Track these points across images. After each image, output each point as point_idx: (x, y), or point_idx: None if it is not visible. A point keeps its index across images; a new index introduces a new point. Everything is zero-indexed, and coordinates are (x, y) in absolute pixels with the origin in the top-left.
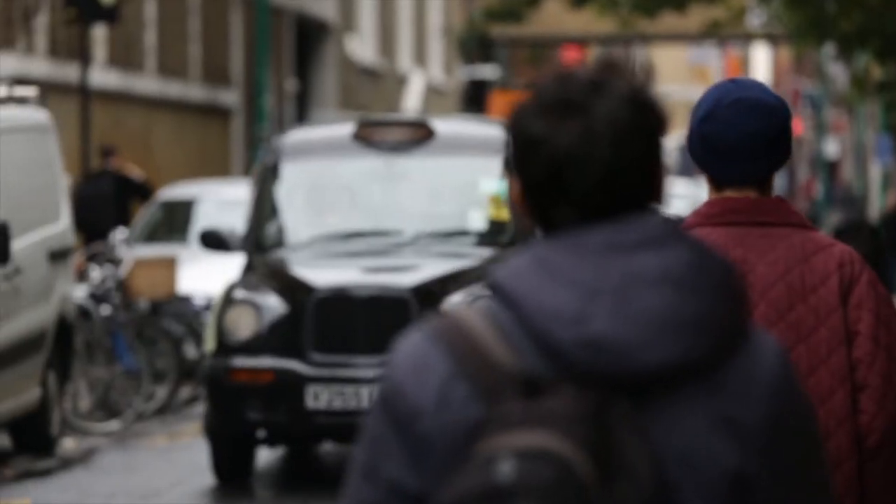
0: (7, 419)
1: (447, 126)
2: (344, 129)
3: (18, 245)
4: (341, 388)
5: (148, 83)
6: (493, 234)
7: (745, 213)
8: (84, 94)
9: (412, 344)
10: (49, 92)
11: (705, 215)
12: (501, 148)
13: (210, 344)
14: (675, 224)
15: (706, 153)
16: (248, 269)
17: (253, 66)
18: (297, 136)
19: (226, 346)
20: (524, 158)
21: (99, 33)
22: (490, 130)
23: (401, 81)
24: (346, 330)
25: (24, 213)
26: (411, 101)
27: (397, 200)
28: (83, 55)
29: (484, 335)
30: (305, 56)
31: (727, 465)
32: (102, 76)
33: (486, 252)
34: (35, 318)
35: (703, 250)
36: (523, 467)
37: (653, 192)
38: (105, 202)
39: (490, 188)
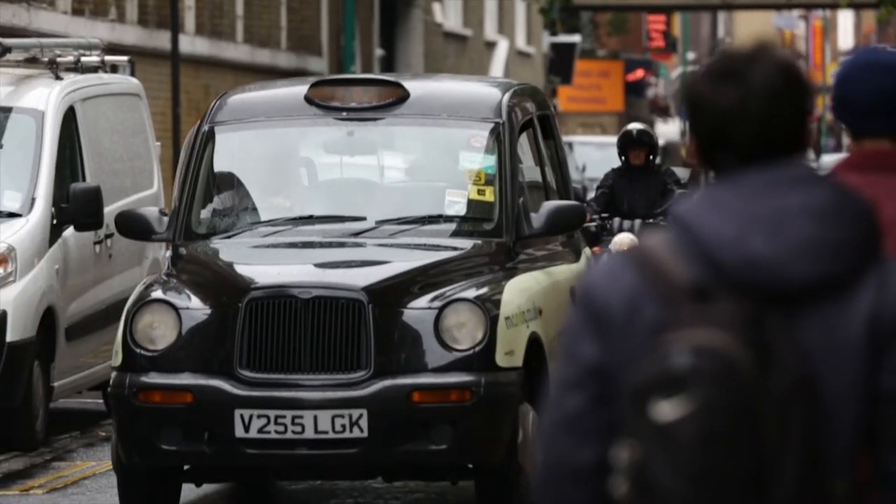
0: (101, 381)
1: (423, 86)
2: (296, 89)
3: (111, 210)
4: (278, 413)
5: (237, 51)
6: (474, 222)
7: (879, 160)
8: (174, 61)
9: (607, 263)
10: (140, 60)
11: (846, 164)
12: (491, 113)
13: (116, 357)
14: (818, 169)
15: (845, 110)
16: (174, 262)
17: (340, 34)
18: (237, 97)
19: (135, 360)
20: (695, 117)
21: (188, 1)
22: (479, 91)
23: (486, 48)
24: (285, 340)
25: (116, 179)
26: (496, 69)
27: (359, 178)
28: (173, 23)
29: (663, 254)
30: (391, 24)
31: (861, 359)
32: (191, 44)
33: (464, 243)
34: (128, 281)
35: (842, 189)
36: (696, 359)
37: (800, 142)
38: None
39: (473, 163)
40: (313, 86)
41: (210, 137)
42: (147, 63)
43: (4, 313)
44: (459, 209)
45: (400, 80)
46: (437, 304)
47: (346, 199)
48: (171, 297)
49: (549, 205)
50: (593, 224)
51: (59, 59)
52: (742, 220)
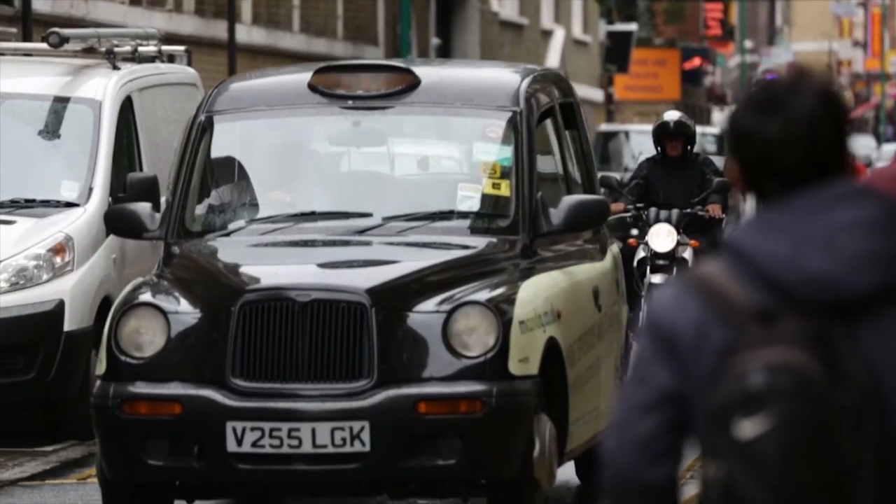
0: None
1: (435, 72)
2: (299, 76)
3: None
4: (273, 425)
5: (293, 40)
6: (489, 218)
7: None
8: (231, 51)
9: (670, 291)
10: (196, 49)
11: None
12: (508, 101)
13: (100, 364)
14: (863, 184)
15: None
16: (166, 261)
17: (396, 23)
18: (236, 85)
19: (120, 368)
20: (740, 146)
21: None
22: (496, 77)
23: (542, 37)
24: (281, 346)
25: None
26: (552, 57)
27: (365, 171)
28: (230, 13)
29: (722, 280)
30: (448, 13)
31: None
32: (248, 33)
33: (478, 241)
34: None
35: (889, 201)
36: (771, 377)
37: (841, 163)
38: None
39: (488, 155)
40: (317, 72)
41: (207, 127)
42: (204, 53)
43: (62, 302)
44: (473, 204)
45: (410, 67)
46: (446, 307)
47: (352, 193)
48: (160, 301)
49: (570, 199)
50: (628, 215)
51: (116, 49)
52: (795, 240)
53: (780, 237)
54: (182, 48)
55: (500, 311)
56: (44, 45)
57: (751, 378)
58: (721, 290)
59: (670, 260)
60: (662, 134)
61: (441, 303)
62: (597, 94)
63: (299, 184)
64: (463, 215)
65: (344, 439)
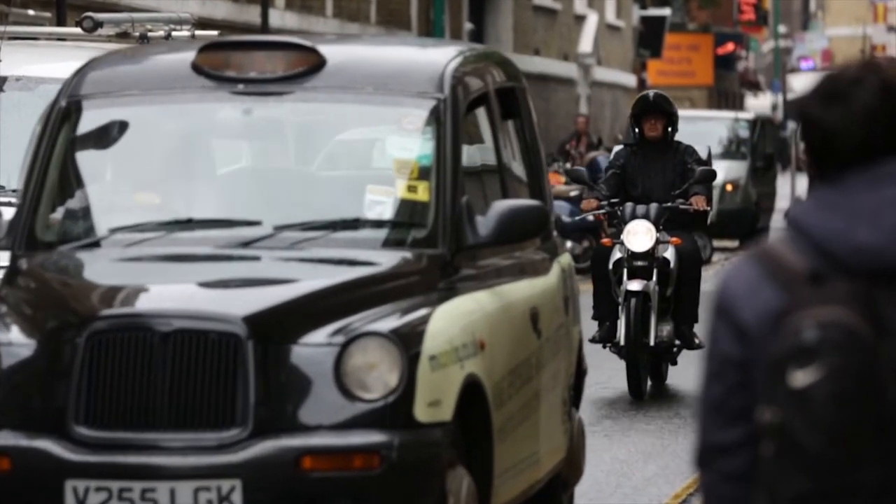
0: None
1: (344, 51)
2: (182, 55)
3: None
4: (123, 485)
5: (326, 25)
6: (402, 228)
7: None
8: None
9: (734, 264)
10: (230, 34)
11: None
12: (430, 86)
13: None
14: None
15: None
16: (9, 279)
17: (429, 7)
18: (105, 65)
19: None
20: (806, 132)
21: None
22: (416, 58)
23: (575, 22)
24: (136, 388)
25: None
26: (585, 42)
27: (255, 170)
28: None
29: (781, 250)
30: None
31: None
32: (281, 18)
33: (388, 256)
34: None
35: None
36: (823, 332)
37: (894, 147)
38: None
39: (404, 151)
40: (202, 50)
41: (67, 116)
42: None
43: None
44: (383, 211)
45: (314, 44)
46: (340, 339)
47: (238, 197)
48: None
49: (501, 206)
50: (602, 211)
51: (149, 34)
52: (847, 215)
53: (835, 213)
54: (215, 33)
55: (406, 343)
56: (77, 30)
57: (804, 333)
58: (779, 258)
59: (650, 261)
60: (641, 109)
61: (335, 334)
62: (630, 80)
63: (175, 185)
64: (371, 224)
65: (211, 501)
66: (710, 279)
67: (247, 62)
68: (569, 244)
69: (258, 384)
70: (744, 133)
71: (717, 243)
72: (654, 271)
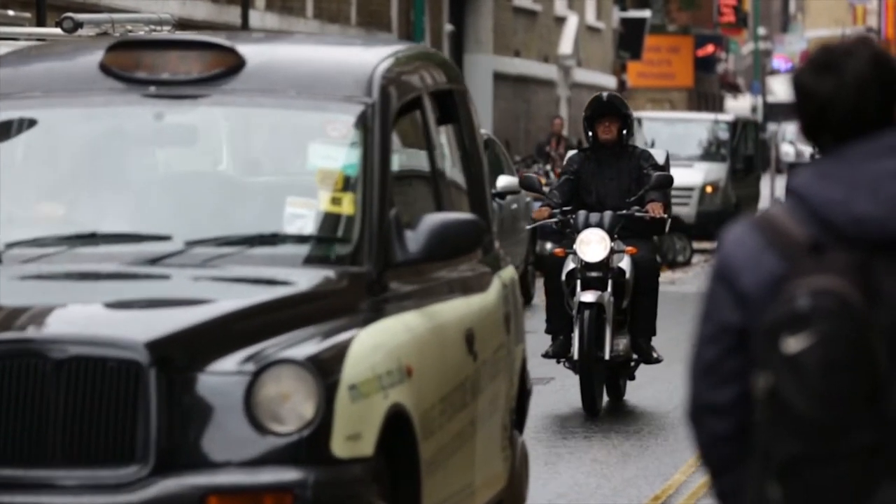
0: None
1: (265, 51)
2: (90, 54)
3: None
4: None
5: (306, 26)
6: (325, 243)
7: None
8: None
9: (735, 229)
10: (210, 35)
11: None
12: (358, 90)
13: None
14: None
15: None
16: None
17: (409, 9)
18: (8, 63)
19: None
20: (800, 103)
21: None
22: (343, 59)
23: (555, 24)
24: (27, 420)
25: None
26: (566, 44)
27: (167, 180)
28: None
29: (782, 218)
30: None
31: None
32: (262, 19)
33: (308, 275)
34: None
35: None
36: (815, 300)
37: (889, 119)
38: None
39: (327, 160)
40: (111, 48)
41: None
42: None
43: None
44: (304, 225)
45: (233, 44)
46: (251, 367)
47: (147, 210)
48: None
49: (432, 220)
50: (554, 220)
51: (130, 35)
52: (846, 186)
53: (833, 183)
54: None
55: (323, 371)
56: (58, 31)
57: (798, 301)
58: (780, 226)
59: (604, 271)
60: (594, 111)
61: (245, 361)
62: (610, 81)
63: (79, 195)
64: (290, 240)
65: None
66: (690, 281)
67: (159, 62)
68: (548, 245)
69: (161, 417)
70: (723, 135)
71: (696, 245)
72: (609, 282)
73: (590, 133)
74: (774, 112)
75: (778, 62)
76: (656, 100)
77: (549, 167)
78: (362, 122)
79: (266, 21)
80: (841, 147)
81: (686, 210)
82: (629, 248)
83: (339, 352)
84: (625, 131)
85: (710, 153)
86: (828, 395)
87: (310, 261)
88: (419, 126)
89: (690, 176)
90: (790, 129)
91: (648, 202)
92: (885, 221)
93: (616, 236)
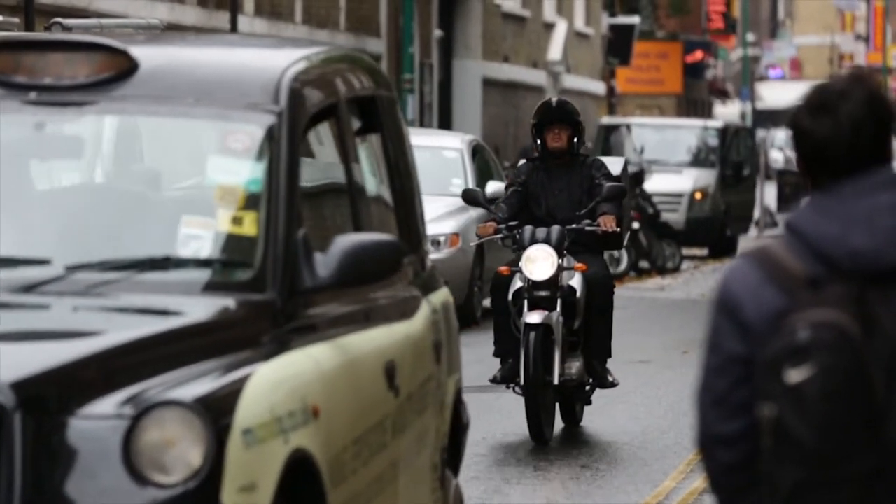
0: None
1: (161, 54)
2: None
3: None
4: None
5: (295, 31)
6: (223, 268)
7: None
8: None
9: (735, 264)
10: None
11: None
12: (264, 97)
13: None
14: None
15: None
16: None
17: (398, 14)
18: None
19: None
20: (798, 143)
21: None
22: (249, 62)
23: (544, 30)
24: None
25: None
26: (555, 50)
27: (48, 197)
28: (232, 4)
29: (781, 254)
30: (450, 5)
31: None
32: (250, 24)
33: (203, 304)
34: None
35: None
36: (815, 332)
37: (884, 156)
38: None
39: (228, 175)
40: None
41: None
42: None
43: None
44: (200, 248)
45: (125, 45)
46: (130, 410)
47: (24, 230)
48: None
49: (346, 242)
50: (499, 236)
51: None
52: (843, 221)
53: (830, 219)
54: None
55: (214, 414)
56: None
57: (798, 334)
58: (779, 261)
59: (552, 290)
60: (543, 118)
61: (125, 403)
62: (599, 87)
63: None
64: (184, 264)
65: None
66: (679, 287)
67: (41, 65)
68: None
69: (26, 467)
70: (713, 141)
71: (686, 251)
72: (558, 302)
73: (538, 141)
74: (763, 118)
75: (773, 73)
76: (645, 106)
77: None
78: (268, 133)
79: (255, 26)
80: (837, 184)
81: (675, 216)
82: (578, 265)
83: (233, 391)
84: (576, 139)
85: (699, 159)
86: (828, 423)
87: (206, 288)
88: (335, 136)
89: (679, 182)
90: (779, 135)
91: (600, 215)
92: (880, 254)
93: (565, 252)
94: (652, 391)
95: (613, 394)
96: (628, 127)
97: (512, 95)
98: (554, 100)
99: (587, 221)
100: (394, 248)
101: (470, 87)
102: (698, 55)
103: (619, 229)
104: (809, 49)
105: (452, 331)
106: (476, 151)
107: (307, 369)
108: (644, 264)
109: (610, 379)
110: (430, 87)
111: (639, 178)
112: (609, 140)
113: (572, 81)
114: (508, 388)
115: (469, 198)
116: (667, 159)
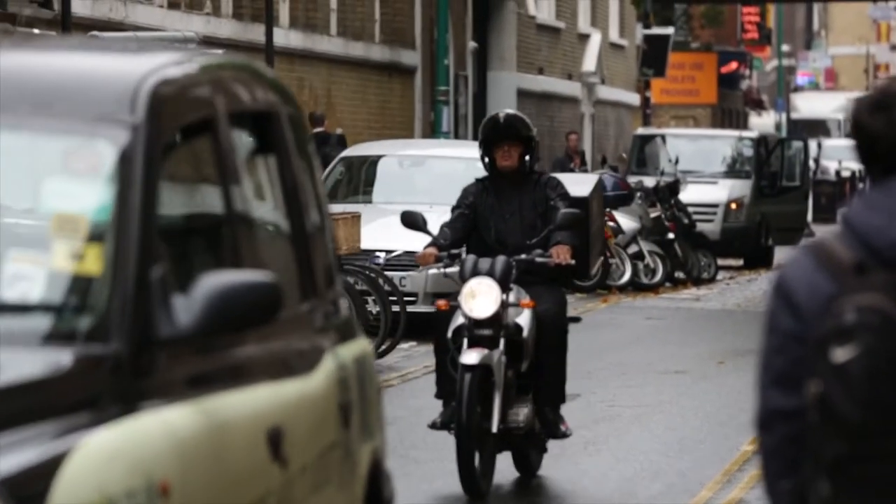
0: None
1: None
2: None
3: None
4: None
5: (330, 43)
6: (58, 314)
7: None
8: (268, 54)
9: (793, 254)
10: (234, 53)
11: None
12: (119, 107)
13: None
14: None
15: None
16: None
17: (433, 26)
18: None
19: None
20: (856, 137)
21: None
22: (101, 66)
23: (579, 41)
24: None
25: None
26: (589, 61)
27: None
28: (267, 16)
29: (832, 243)
30: (485, 17)
31: None
32: (286, 37)
33: (30, 359)
34: None
35: None
36: (860, 315)
37: None
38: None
39: (68, 202)
40: None
41: None
42: (242, 55)
43: None
44: (29, 289)
45: None
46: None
47: None
48: None
49: (213, 282)
50: (440, 265)
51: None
52: (888, 213)
53: (877, 211)
54: (220, 52)
55: (23, 496)
56: None
57: (845, 316)
58: (830, 250)
59: (495, 328)
60: (489, 134)
61: None
62: (633, 98)
63: None
64: (9, 309)
65: None
66: (714, 297)
67: None
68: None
69: None
70: (748, 152)
71: (721, 262)
72: (502, 341)
73: (485, 159)
74: (798, 129)
75: (801, 79)
76: (680, 116)
77: None
78: (120, 151)
79: (290, 39)
80: (887, 178)
81: (711, 227)
82: (525, 302)
83: (51, 467)
84: (527, 157)
85: (734, 170)
86: (871, 400)
87: (34, 338)
88: (211, 156)
89: (715, 193)
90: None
91: (554, 245)
92: None
93: (513, 286)
94: (688, 401)
95: (650, 404)
96: (663, 138)
97: (546, 107)
98: (502, 115)
99: (538, 252)
100: (270, 289)
101: (504, 99)
102: (733, 66)
103: (572, 262)
104: (844, 59)
105: (370, 388)
106: None
107: (156, 437)
108: (679, 275)
109: (562, 428)
110: (465, 99)
111: (674, 188)
112: (644, 151)
113: (607, 92)
114: (451, 432)
115: (407, 221)
116: (702, 170)
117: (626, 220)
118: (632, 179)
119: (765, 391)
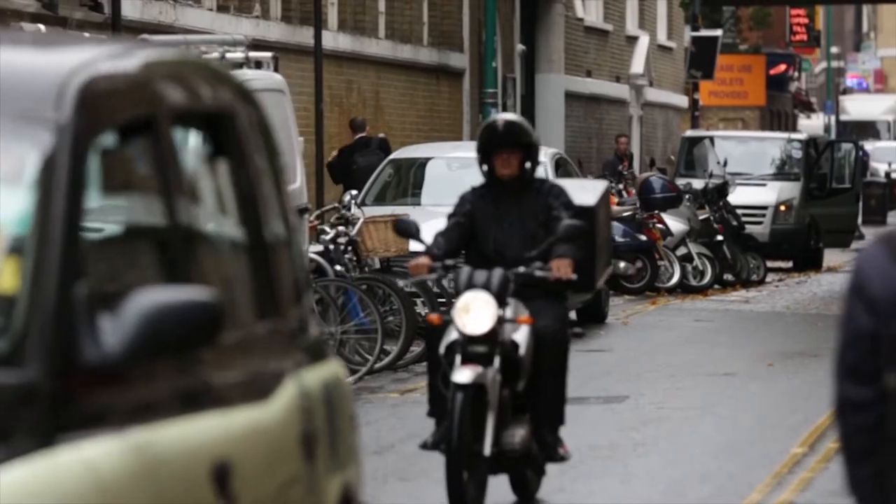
0: None
1: None
2: None
3: None
4: None
5: (378, 46)
6: None
7: None
8: (317, 57)
9: (867, 247)
10: (283, 55)
11: None
12: (43, 105)
13: None
14: None
15: None
16: None
17: (481, 29)
18: None
19: None
20: None
21: None
22: (25, 62)
23: (627, 43)
24: None
25: None
26: (637, 63)
27: None
28: (316, 19)
29: None
30: (532, 19)
31: None
32: (334, 39)
33: None
34: None
35: None
36: None
37: None
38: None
39: None
40: None
41: None
42: (290, 59)
43: None
44: None
45: None
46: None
47: None
48: None
49: (144, 301)
50: (434, 276)
51: (204, 56)
52: None
53: None
54: (269, 54)
55: None
56: None
57: None
58: None
59: (490, 345)
60: (488, 141)
61: None
62: (682, 100)
63: None
64: None
65: None
66: (764, 300)
67: None
68: (622, 265)
69: None
70: (797, 154)
71: (770, 264)
72: (497, 358)
73: (483, 166)
74: (847, 131)
75: (851, 81)
76: (729, 119)
77: (621, 187)
78: (43, 153)
79: (339, 42)
80: None
81: (759, 229)
82: (522, 318)
83: None
84: (528, 164)
85: (783, 172)
86: None
87: None
88: (151, 160)
89: (764, 195)
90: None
91: (555, 258)
92: None
93: (507, 301)
94: (737, 404)
95: (699, 406)
96: (711, 140)
97: (595, 109)
98: (500, 121)
99: (538, 264)
100: (208, 308)
101: (552, 101)
102: (781, 68)
103: (573, 277)
104: (894, 61)
105: (340, 416)
106: (559, 165)
107: (75, 476)
108: (728, 277)
109: (561, 452)
110: (513, 101)
111: (722, 190)
112: (692, 153)
113: (655, 95)
114: (442, 453)
115: (401, 229)
116: (751, 172)
117: (674, 223)
118: (680, 182)
119: (840, 382)
